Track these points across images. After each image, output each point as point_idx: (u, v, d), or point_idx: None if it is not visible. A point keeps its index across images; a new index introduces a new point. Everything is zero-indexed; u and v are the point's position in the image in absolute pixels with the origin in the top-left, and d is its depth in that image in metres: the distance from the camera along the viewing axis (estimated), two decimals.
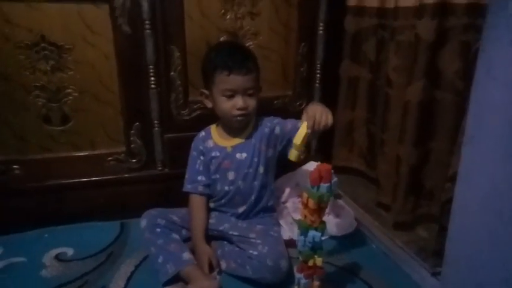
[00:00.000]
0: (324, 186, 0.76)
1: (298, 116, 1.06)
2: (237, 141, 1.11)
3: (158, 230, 1.07)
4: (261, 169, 1.11)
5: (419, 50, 1.09)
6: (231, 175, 1.11)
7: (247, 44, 1.24)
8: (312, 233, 0.79)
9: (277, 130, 1.12)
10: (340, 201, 1.31)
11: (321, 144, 1.45)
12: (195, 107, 1.26)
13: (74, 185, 1.23)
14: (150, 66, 1.17)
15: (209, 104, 1.10)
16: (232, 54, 1.04)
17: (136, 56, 1.16)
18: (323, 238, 0.80)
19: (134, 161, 1.26)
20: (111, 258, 1.11)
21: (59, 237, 1.19)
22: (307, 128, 0.88)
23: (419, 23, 1.08)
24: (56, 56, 1.11)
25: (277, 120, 1.14)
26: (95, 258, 1.10)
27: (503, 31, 0.70)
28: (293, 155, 0.90)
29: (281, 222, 1.20)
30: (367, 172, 1.53)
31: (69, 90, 1.15)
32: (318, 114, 0.91)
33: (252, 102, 1.05)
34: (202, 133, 1.16)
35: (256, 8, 1.22)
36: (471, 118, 0.81)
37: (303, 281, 0.83)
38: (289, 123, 1.11)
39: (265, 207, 1.15)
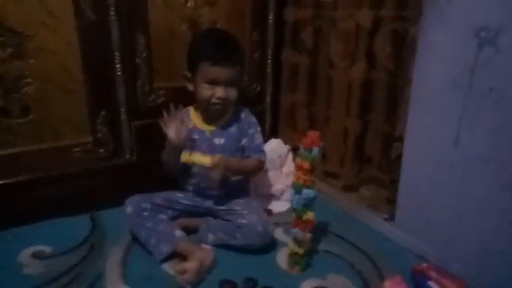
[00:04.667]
0: (315, 149, 0.91)
1: (255, 98, 1.35)
2: (216, 126, 1.16)
3: (145, 213, 1.10)
4: (236, 154, 1.16)
5: (360, 36, 1.29)
6: None
7: None
8: (305, 191, 0.93)
9: (244, 141, 1.17)
10: None
11: (270, 126, 1.59)
12: (160, 93, 1.30)
13: (37, 181, 1.17)
14: (116, 53, 1.17)
15: (191, 88, 1.13)
16: (218, 46, 1.07)
17: (101, 42, 1.15)
18: (314, 195, 0.94)
19: (102, 150, 1.25)
20: (94, 250, 1.10)
21: (26, 237, 1.14)
22: (209, 164, 1.07)
23: (359, 13, 1.28)
24: (14, 43, 1.04)
25: (252, 130, 1.18)
26: (76, 252, 1.08)
27: (437, 19, 0.92)
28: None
29: None
30: None
31: (30, 80, 1.09)
32: (218, 165, 1.06)
33: (232, 93, 1.09)
34: (183, 112, 1.16)
35: None
36: (415, 89, 1.03)
37: (299, 233, 0.97)
38: (250, 148, 1.17)
39: (241, 188, 1.23)
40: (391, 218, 1.21)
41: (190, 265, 0.97)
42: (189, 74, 1.12)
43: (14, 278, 0.98)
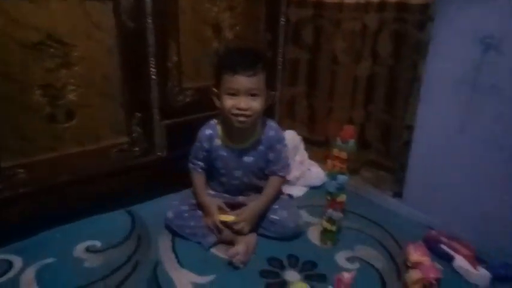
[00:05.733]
0: (351, 141, 1.06)
1: None
2: (245, 145, 1.17)
3: (186, 214, 1.20)
4: (264, 168, 1.22)
5: (366, 36, 1.45)
6: (237, 173, 1.20)
7: (228, 34, 1.41)
8: (340, 177, 1.09)
9: (271, 157, 1.20)
10: (311, 161, 1.63)
11: (279, 119, 1.73)
12: (188, 93, 1.39)
13: (79, 181, 1.24)
14: (151, 59, 1.25)
15: (217, 102, 1.12)
16: (239, 56, 1.08)
17: (138, 49, 1.23)
18: (347, 180, 1.10)
19: (136, 149, 1.33)
20: (143, 240, 1.20)
21: (74, 234, 1.21)
22: (234, 220, 1.14)
23: (366, 16, 1.43)
24: (62, 53, 1.09)
25: (279, 146, 1.19)
26: (127, 244, 1.18)
27: (446, 25, 1.09)
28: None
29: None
30: (309, 137, 1.87)
31: (73, 87, 1.15)
32: (241, 222, 1.14)
33: (255, 104, 1.07)
34: (209, 131, 1.18)
35: (234, 2, 1.40)
36: (424, 84, 1.21)
37: (334, 213, 1.13)
38: (276, 162, 1.21)
39: None
40: (397, 195, 1.40)
41: (241, 248, 1.10)
42: (215, 90, 1.12)
43: (78, 271, 1.06)
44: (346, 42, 1.53)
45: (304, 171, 1.55)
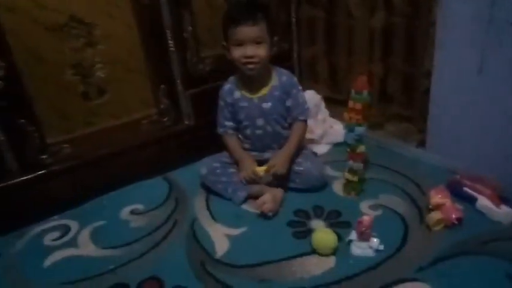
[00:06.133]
0: (365, 92, 1.09)
1: (283, 55, 1.48)
2: (262, 92, 1.25)
3: (218, 171, 1.29)
4: (284, 114, 1.28)
5: None
6: (259, 121, 1.27)
7: None
8: (358, 128, 1.13)
9: (289, 102, 1.27)
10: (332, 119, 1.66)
11: (298, 79, 1.73)
12: (207, 61, 1.45)
13: (117, 152, 1.35)
14: (167, 31, 1.31)
15: (228, 56, 1.20)
16: (240, 9, 1.17)
17: (155, 23, 1.28)
18: (364, 131, 1.14)
19: (165, 119, 1.42)
20: (180, 202, 1.31)
21: (118, 200, 1.33)
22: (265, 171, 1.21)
23: None
24: (85, 33, 1.17)
25: (295, 91, 1.27)
26: (166, 205, 1.29)
27: None
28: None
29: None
30: (332, 96, 1.89)
31: (101, 65, 1.23)
32: (275, 165, 1.21)
33: (260, 51, 1.15)
34: (228, 85, 1.28)
35: None
36: (439, 29, 1.19)
37: (355, 164, 1.18)
38: (296, 106, 1.28)
39: None
40: (421, 144, 1.41)
41: (267, 197, 1.18)
42: (225, 43, 1.20)
43: (126, 230, 1.19)
44: None
45: (327, 129, 1.59)
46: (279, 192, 1.24)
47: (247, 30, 1.13)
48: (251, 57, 1.16)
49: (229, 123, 1.31)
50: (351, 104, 1.11)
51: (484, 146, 1.19)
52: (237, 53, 1.17)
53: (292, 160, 1.27)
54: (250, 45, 1.15)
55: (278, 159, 1.23)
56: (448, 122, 1.27)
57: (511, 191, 1.13)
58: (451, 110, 1.25)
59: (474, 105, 1.17)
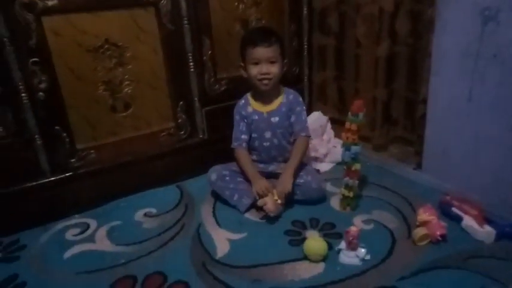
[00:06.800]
0: (360, 114, 1.20)
1: (294, 79, 1.63)
2: (271, 107, 1.40)
3: (227, 178, 1.42)
4: (289, 129, 1.42)
5: (383, 18, 1.55)
6: (267, 134, 1.41)
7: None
8: (353, 147, 1.23)
9: (292, 118, 1.41)
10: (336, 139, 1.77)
11: (308, 102, 1.89)
12: (222, 82, 1.60)
13: (137, 160, 1.50)
14: (189, 54, 1.47)
15: (245, 75, 1.37)
16: (257, 33, 1.37)
17: (178, 47, 1.45)
18: (359, 150, 1.24)
19: (182, 132, 1.57)
20: (189, 208, 1.43)
21: (134, 203, 1.47)
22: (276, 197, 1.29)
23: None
24: (117, 54, 1.35)
25: (299, 108, 1.41)
26: (176, 211, 1.42)
27: (449, 2, 1.18)
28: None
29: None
30: (339, 118, 1.99)
31: (128, 82, 1.40)
32: (282, 191, 1.30)
33: (274, 69, 1.32)
34: (242, 101, 1.44)
35: None
36: (434, 59, 1.30)
37: (350, 181, 1.28)
38: (297, 122, 1.41)
39: None
40: (418, 166, 1.50)
41: (268, 198, 1.28)
42: (242, 64, 1.38)
43: (139, 231, 1.32)
44: (366, 25, 1.64)
45: (331, 149, 1.69)
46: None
47: (263, 51, 1.31)
48: (266, 73, 1.32)
49: (244, 137, 1.43)
50: (347, 125, 1.23)
51: (474, 169, 1.26)
52: (253, 70, 1.33)
53: (295, 174, 1.37)
54: (266, 63, 1.32)
55: (283, 181, 1.32)
56: (442, 146, 1.36)
57: (499, 212, 1.19)
58: (444, 134, 1.34)
59: (465, 130, 1.26)
